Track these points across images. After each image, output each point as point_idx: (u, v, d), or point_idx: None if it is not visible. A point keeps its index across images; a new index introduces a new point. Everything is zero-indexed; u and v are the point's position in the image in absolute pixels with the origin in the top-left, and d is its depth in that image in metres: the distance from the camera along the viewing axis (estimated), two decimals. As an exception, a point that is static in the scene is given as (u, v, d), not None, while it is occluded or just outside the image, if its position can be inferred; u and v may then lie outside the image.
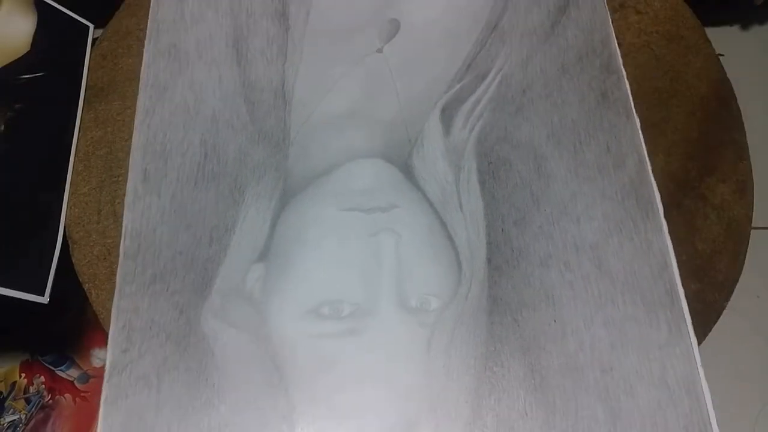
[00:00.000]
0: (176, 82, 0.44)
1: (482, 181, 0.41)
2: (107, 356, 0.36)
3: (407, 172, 0.42)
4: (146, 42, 0.45)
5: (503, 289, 0.38)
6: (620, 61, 0.45)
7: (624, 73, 0.44)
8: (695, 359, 0.37)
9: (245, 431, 0.34)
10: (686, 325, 0.37)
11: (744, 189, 0.43)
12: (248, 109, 0.43)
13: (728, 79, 0.46)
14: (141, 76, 0.44)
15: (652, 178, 0.41)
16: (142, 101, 0.43)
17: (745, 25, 0.88)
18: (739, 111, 0.45)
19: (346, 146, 0.42)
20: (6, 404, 0.51)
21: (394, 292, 0.38)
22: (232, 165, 0.41)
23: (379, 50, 0.45)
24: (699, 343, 0.37)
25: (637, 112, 0.43)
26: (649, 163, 0.42)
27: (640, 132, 0.43)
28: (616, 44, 0.45)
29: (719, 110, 0.45)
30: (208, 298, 0.38)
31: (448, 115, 0.43)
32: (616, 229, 0.40)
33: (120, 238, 0.39)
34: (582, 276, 0.39)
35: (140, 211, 0.40)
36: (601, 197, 0.41)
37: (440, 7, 0.46)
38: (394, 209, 0.40)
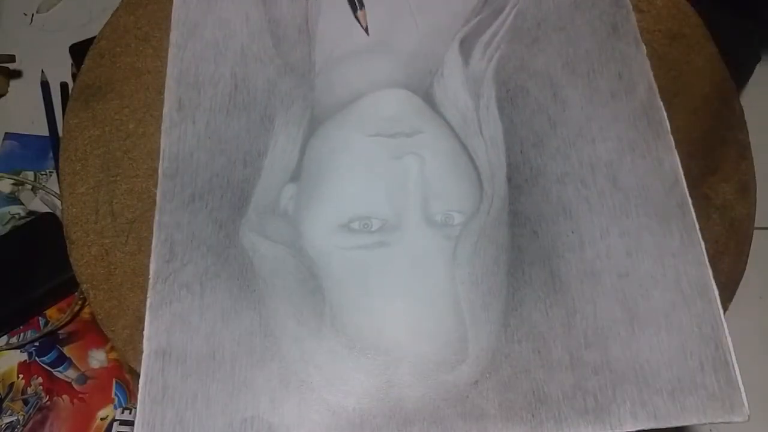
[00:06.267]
0: (206, 20, 0.45)
1: (501, 108, 0.43)
2: (150, 266, 0.38)
3: (429, 100, 0.44)
4: (176, -17, 0.46)
5: (523, 205, 0.40)
6: (629, -6, 0.47)
7: (631, 7, 0.46)
8: (706, 265, 0.39)
9: (286, 329, 0.37)
10: (697, 234, 0.40)
11: (746, 188, 0.43)
12: (274, 43, 0.45)
13: (730, 78, 0.46)
14: (172, 16, 0.45)
15: (661, 103, 0.43)
16: (175, 38, 0.45)
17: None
18: (742, 110, 0.45)
19: (369, 78, 0.44)
20: (4, 405, 0.51)
21: (420, 209, 0.40)
22: (261, 95, 0.43)
23: (400, -14, 0.47)
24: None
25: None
26: (656, 89, 0.44)
27: (648, 60, 0.45)
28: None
29: (721, 109, 0.45)
30: (245, 215, 0.40)
31: (466, 47, 0.45)
32: (629, 149, 0.42)
33: (158, 161, 0.41)
34: (597, 192, 0.41)
35: (177, 136, 0.42)
36: (614, 120, 0.43)
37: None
38: (417, 134, 0.42)
